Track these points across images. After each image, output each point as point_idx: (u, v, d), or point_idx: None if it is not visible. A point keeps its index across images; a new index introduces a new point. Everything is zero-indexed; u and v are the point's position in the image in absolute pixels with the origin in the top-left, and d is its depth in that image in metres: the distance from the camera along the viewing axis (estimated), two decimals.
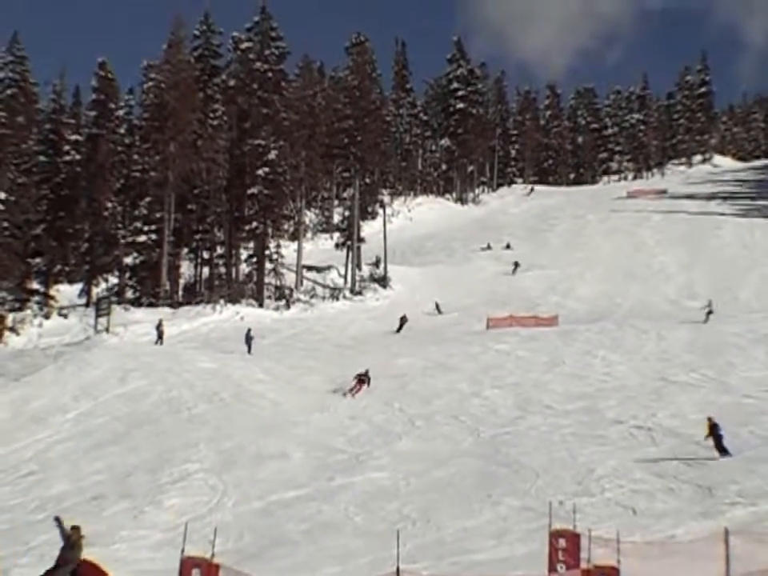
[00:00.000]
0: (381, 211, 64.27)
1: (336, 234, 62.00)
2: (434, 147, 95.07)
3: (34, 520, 18.35)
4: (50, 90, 64.69)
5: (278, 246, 51.72)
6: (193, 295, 50.71)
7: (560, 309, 43.71)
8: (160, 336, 38.06)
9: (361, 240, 57.66)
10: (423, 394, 28.23)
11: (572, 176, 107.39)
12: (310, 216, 72.34)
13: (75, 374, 30.43)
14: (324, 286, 53.28)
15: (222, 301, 47.27)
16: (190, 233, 53.06)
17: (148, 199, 51.50)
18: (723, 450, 19.08)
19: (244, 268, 52.96)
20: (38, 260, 51.78)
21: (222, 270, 53.84)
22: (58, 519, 11.25)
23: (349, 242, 56.27)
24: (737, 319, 36.85)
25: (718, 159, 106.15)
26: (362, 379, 28.92)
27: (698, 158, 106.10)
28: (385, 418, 25.88)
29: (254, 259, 51.65)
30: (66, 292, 52.19)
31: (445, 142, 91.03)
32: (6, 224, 45.11)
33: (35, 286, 50.18)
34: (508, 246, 61.58)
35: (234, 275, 52.44)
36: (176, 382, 29.53)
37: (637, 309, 43.70)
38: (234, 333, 40.62)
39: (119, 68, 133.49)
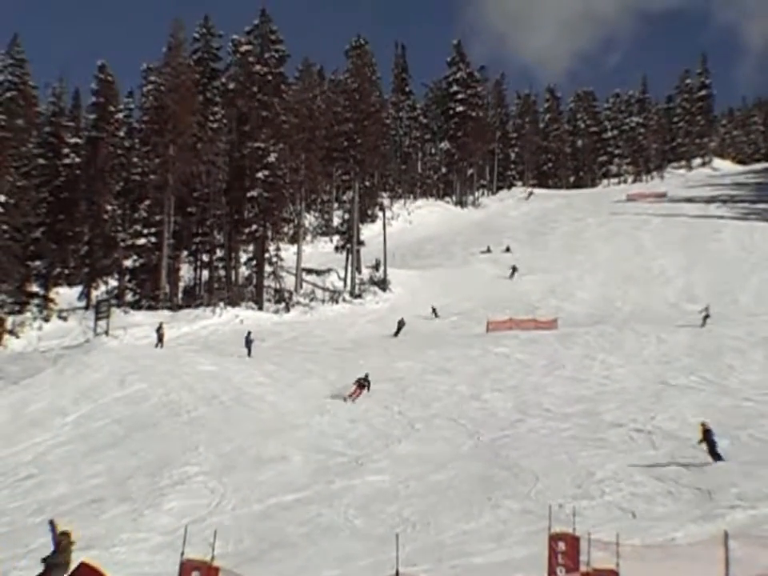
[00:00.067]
0: (380, 214, 64.30)
1: (336, 237, 61.98)
2: (433, 150, 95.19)
3: (33, 523, 18.31)
4: (50, 92, 65.09)
5: (278, 248, 51.68)
6: (192, 298, 50.72)
7: (559, 312, 43.76)
8: (160, 339, 37.98)
9: (360, 243, 57.70)
10: (423, 398, 28.22)
11: (572, 179, 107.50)
12: (309, 219, 72.35)
13: (75, 376, 30.45)
14: (324, 289, 53.25)
15: (221, 304, 47.27)
16: (190, 236, 53.11)
17: (148, 202, 51.57)
18: (716, 456, 19.04)
19: (244, 271, 52.98)
20: (37, 263, 51.74)
21: (222, 272, 53.81)
22: (51, 523, 11.20)
23: (348, 245, 56.29)
24: (736, 322, 36.94)
25: (717, 162, 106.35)
26: (362, 384, 28.82)
27: (698, 161, 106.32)
28: (384, 421, 25.86)
29: (254, 262, 51.67)
30: (66, 295, 52.07)
31: (444, 144, 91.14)
32: (5, 227, 45.01)
33: (35, 288, 50.06)
34: (508, 249, 61.63)
35: (233, 278, 52.39)
36: (176, 384, 29.52)
37: (636, 312, 43.72)
38: (233, 336, 40.57)
39: (119, 71, 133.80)
